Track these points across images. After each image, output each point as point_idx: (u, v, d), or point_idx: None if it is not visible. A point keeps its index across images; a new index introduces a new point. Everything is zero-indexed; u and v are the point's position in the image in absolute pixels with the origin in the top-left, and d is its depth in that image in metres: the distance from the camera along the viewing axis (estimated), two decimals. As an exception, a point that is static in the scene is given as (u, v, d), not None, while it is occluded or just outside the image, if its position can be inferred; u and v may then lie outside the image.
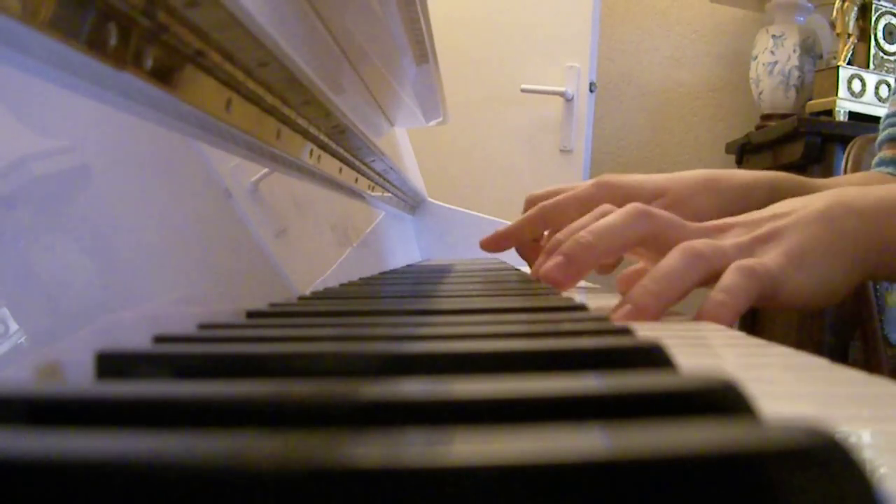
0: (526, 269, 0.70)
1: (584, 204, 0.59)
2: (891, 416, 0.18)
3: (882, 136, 0.78)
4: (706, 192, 0.60)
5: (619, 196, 0.58)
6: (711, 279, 0.42)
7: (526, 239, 0.64)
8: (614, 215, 0.45)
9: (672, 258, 0.42)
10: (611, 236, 0.45)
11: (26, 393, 0.14)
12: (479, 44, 2.03)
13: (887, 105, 0.84)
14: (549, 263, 0.46)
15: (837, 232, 0.45)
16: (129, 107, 0.29)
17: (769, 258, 0.43)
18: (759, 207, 0.52)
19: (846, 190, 0.48)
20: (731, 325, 0.39)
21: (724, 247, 0.44)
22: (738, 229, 0.46)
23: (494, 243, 0.63)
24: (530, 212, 0.62)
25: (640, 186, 0.60)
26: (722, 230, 0.47)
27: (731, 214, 0.49)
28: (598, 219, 0.47)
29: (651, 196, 0.58)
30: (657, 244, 0.45)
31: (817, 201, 0.47)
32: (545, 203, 0.61)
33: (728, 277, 0.41)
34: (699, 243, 0.43)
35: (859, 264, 0.46)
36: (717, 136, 2.37)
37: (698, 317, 0.40)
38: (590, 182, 0.61)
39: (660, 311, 0.41)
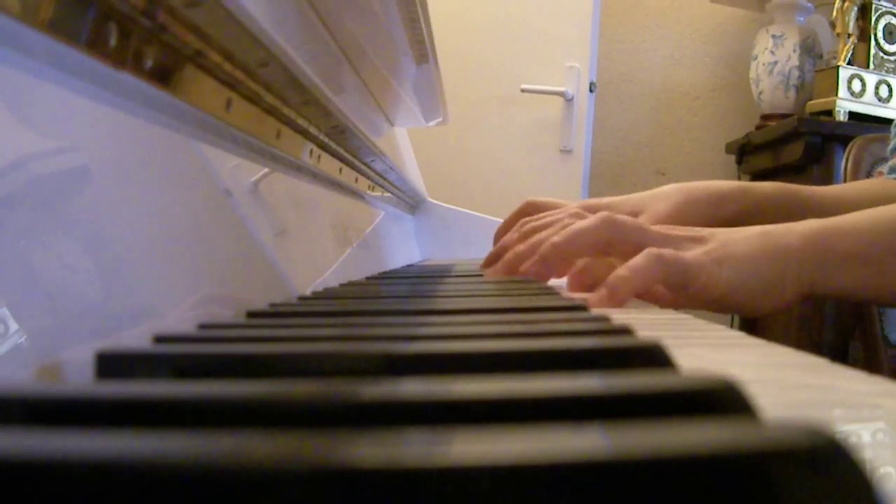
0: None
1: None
2: (890, 416, 0.18)
3: (894, 142, 0.79)
4: (682, 205, 0.65)
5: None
6: (622, 250, 0.49)
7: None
8: (586, 221, 0.51)
9: (588, 220, 0.51)
10: (580, 239, 0.51)
11: (26, 393, 0.14)
12: (479, 44, 2.03)
13: None
14: (528, 263, 0.53)
15: (772, 245, 0.49)
16: (129, 107, 0.29)
17: (689, 252, 0.48)
18: (731, 216, 0.62)
19: (795, 223, 0.53)
20: (626, 299, 0.45)
21: (648, 229, 0.50)
22: (683, 231, 0.51)
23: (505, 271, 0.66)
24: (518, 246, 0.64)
25: (619, 205, 0.66)
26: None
27: (708, 223, 0.56)
28: (569, 218, 0.55)
29: (629, 214, 0.63)
30: (624, 248, 0.50)
31: (765, 227, 0.52)
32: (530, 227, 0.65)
33: (635, 259, 0.46)
34: (622, 216, 0.51)
35: (795, 276, 0.49)
36: (717, 136, 2.37)
37: (599, 287, 0.46)
38: (573, 206, 0.67)
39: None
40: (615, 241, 0.50)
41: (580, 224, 0.51)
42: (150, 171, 0.31)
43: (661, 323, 0.39)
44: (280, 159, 0.51)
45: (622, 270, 0.46)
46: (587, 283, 0.60)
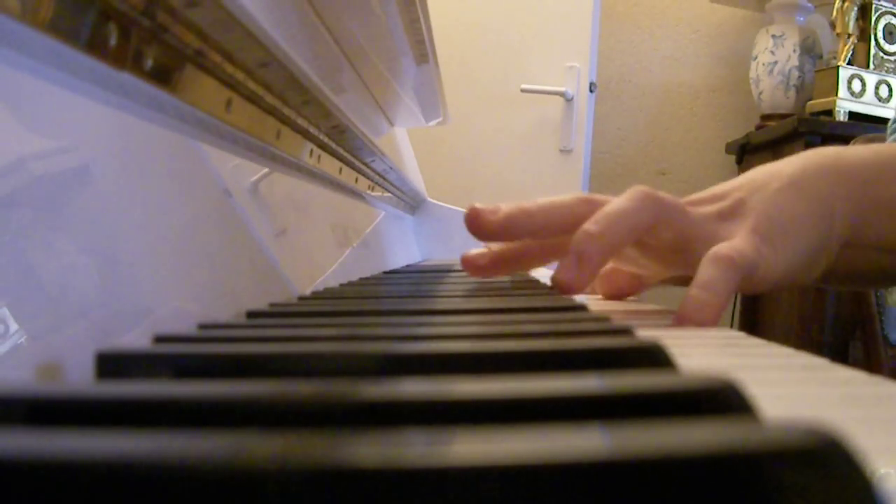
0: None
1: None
2: (891, 417, 0.18)
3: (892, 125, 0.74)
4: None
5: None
6: (663, 236, 0.41)
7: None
8: (619, 200, 0.41)
9: (625, 200, 0.40)
10: (619, 223, 0.40)
11: (26, 393, 0.14)
12: (479, 44, 2.03)
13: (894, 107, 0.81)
14: (559, 268, 0.41)
15: (812, 196, 0.41)
16: (129, 107, 0.29)
17: (740, 240, 0.40)
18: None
19: (822, 150, 0.44)
20: (715, 324, 0.37)
21: (687, 210, 0.41)
22: (706, 205, 0.43)
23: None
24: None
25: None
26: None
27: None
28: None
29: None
30: (665, 235, 0.41)
31: (788, 166, 0.43)
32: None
33: (705, 271, 0.38)
34: (659, 193, 0.41)
35: (839, 228, 0.42)
36: (717, 136, 2.37)
37: (680, 319, 0.37)
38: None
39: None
40: (658, 225, 0.40)
41: (617, 205, 0.40)
42: (150, 171, 0.31)
43: (661, 322, 0.39)
44: (280, 159, 0.51)
45: (700, 294, 0.37)
46: (627, 279, 0.52)
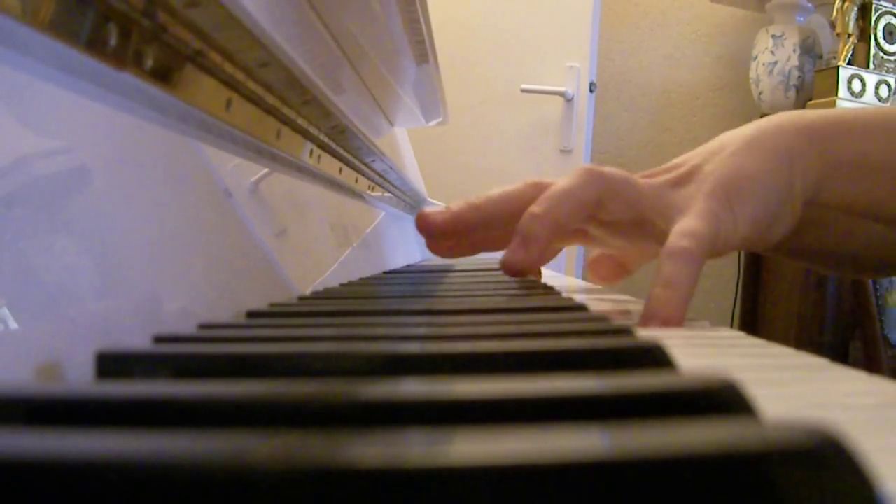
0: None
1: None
2: (891, 417, 0.18)
3: None
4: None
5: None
6: (613, 209, 0.40)
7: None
8: (563, 179, 0.41)
9: (570, 179, 0.40)
10: (563, 201, 0.40)
11: (26, 393, 0.14)
12: (479, 44, 2.03)
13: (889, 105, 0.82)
14: (507, 250, 0.41)
15: (768, 152, 0.40)
16: (129, 107, 0.29)
17: (696, 213, 0.39)
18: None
19: (782, 112, 0.44)
20: (681, 320, 0.36)
21: (637, 182, 0.41)
22: (659, 176, 0.43)
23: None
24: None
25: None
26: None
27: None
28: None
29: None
30: (616, 208, 0.41)
31: (744, 130, 0.43)
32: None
33: (665, 268, 0.37)
34: (605, 168, 0.41)
35: (799, 183, 0.41)
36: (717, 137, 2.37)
37: (645, 318, 0.36)
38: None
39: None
40: (605, 200, 0.40)
41: (561, 185, 0.41)
42: (150, 171, 0.31)
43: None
44: (280, 159, 0.51)
45: (663, 292, 0.36)
46: (611, 267, 0.53)
